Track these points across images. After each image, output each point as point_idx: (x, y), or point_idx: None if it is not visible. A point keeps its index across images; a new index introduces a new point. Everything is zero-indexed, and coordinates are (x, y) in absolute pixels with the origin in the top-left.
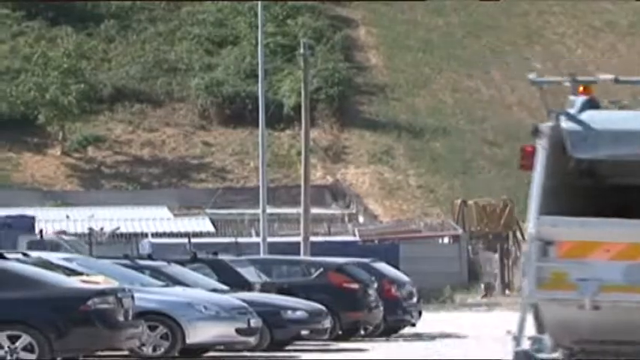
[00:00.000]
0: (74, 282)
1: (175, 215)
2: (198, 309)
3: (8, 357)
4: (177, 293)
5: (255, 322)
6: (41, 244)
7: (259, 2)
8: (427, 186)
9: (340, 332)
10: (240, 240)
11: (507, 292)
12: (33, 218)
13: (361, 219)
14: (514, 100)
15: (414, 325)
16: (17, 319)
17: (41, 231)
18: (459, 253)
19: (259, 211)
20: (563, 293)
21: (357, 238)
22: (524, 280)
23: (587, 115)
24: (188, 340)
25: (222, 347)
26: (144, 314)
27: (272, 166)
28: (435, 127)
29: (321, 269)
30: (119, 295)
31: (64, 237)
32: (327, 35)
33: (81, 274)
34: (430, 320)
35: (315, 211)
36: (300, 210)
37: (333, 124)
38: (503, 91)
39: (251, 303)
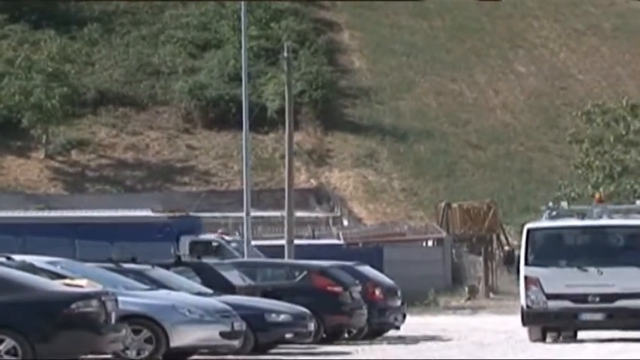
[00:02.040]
0: (58, 285)
1: None
2: (182, 312)
3: None
4: (161, 296)
5: (239, 325)
6: (204, 246)
7: (243, 5)
8: (411, 189)
9: (324, 335)
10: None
11: (491, 295)
12: (197, 219)
13: (345, 222)
14: (498, 103)
15: (398, 328)
16: (1, 323)
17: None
18: (442, 256)
19: (243, 214)
20: None
21: (341, 242)
22: None
23: None
24: (172, 344)
25: (206, 351)
26: (128, 318)
27: (256, 169)
28: (418, 130)
29: (305, 272)
30: (103, 298)
31: (227, 238)
32: (310, 38)
33: (64, 277)
34: (414, 323)
35: (299, 214)
36: (284, 213)
37: (316, 128)
38: (487, 94)
39: (235, 306)
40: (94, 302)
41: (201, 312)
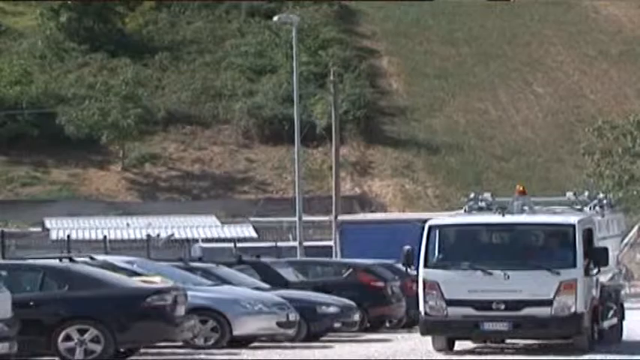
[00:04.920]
0: (135, 282)
1: (222, 223)
2: (243, 305)
3: (78, 347)
4: (224, 291)
5: (294, 316)
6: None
7: (294, 36)
8: (443, 196)
9: (368, 325)
10: (280, 244)
11: None
12: None
13: None
14: (519, 120)
15: None
16: (86, 315)
17: None
18: None
19: (296, 218)
20: None
21: None
22: None
23: None
24: (235, 333)
25: (264, 338)
26: (196, 310)
27: (307, 179)
28: (449, 144)
29: (351, 269)
30: (174, 293)
31: None
32: (354, 64)
33: (140, 274)
34: None
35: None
36: (332, 218)
37: (360, 142)
38: (510, 112)
39: (290, 299)
40: (167, 296)
41: (260, 304)
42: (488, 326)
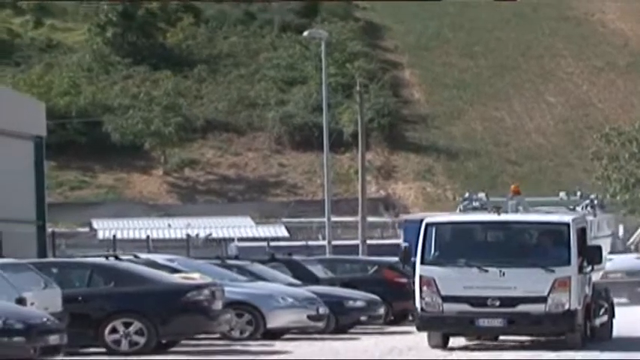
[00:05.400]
0: (176, 278)
1: (257, 223)
2: (276, 299)
3: (123, 339)
4: (259, 287)
5: (323, 310)
6: None
7: (323, 49)
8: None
9: (392, 318)
10: (310, 243)
11: None
12: None
13: None
14: (532, 128)
15: None
16: (130, 309)
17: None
18: None
19: (325, 219)
20: None
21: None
22: None
23: None
24: (268, 325)
25: (296, 330)
26: (232, 304)
27: (335, 182)
28: (467, 150)
29: (376, 267)
30: (212, 288)
31: None
32: (378, 76)
33: (181, 271)
34: None
35: (370, 219)
36: (358, 218)
37: (384, 148)
38: (523, 120)
39: (319, 294)
40: (205, 292)
41: (292, 299)
42: (483, 322)
